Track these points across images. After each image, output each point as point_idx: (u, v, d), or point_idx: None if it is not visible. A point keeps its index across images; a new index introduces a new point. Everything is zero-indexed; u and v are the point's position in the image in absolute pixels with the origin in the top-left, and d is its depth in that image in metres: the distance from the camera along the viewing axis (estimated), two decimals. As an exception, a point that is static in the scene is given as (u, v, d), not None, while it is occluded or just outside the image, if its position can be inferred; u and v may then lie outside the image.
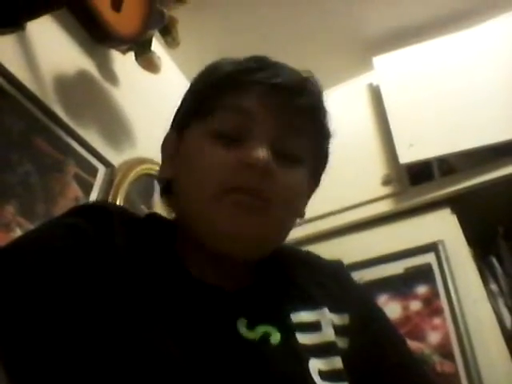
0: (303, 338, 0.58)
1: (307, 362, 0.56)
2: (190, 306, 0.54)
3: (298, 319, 0.60)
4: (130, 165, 1.45)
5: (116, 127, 1.53)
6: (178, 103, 0.69)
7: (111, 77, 1.60)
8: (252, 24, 1.89)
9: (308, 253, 0.76)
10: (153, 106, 1.61)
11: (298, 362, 0.55)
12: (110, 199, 1.34)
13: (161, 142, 0.69)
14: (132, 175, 1.43)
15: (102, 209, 0.60)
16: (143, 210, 1.44)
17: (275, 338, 0.57)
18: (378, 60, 1.91)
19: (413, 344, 1.36)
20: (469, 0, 1.81)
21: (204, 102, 0.63)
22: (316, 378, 0.55)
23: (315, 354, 0.57)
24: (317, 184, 0.70)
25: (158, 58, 1.62)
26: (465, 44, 1.79)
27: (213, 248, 0.59)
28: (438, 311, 1.42)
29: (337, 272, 0.72)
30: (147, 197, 1.49)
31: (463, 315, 1.37)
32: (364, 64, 1.97)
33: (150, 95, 1.67)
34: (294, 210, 0.63)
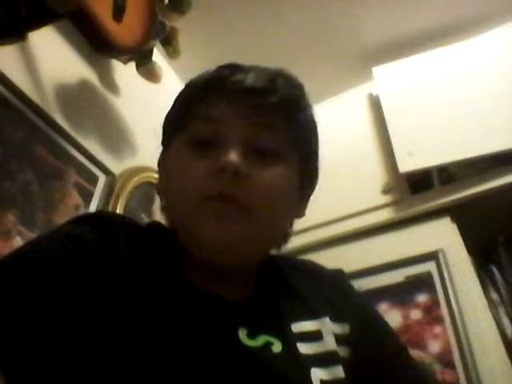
0: (304, 348, 0.58)
1: (309, 372, 0.56)
2: (191, 315, 0.54)
3: (299, 329, 0.60)
4: (130, 173, 1.46)
5: (116, 136, 1.54)
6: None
7: (112, 86, 1.61)
8: (252, 35, 1.90)
9: (309, 262, 0.76)
10: (153, 115, 1.60)
11: (300, 371, 0.55)
12: (110, 207, 1.34)
13: (161, 151, 0.70)
14: (132, 183, 1.43)
15: (106, 219, 0.61)
16: (143, 218, 1.45)
17: (277, 347, 0.57)
18: (378, 70, 1.92)
19: (413, 353, 1.34)
20: (468, 11, 1.82)
21: (178, 116, 0.65)
22: None
23: (317, 364, 0.57)
24: (311, 178, 0.68)
25: (159, 68, 1.64)
26: (464, 54, 1.80)
27: (202, 258, 0.59)
28: (438, 320, 1.41)
29: (338, 281, 0.72)
30: (147, 205, 1.49)
31: (464, 324, 1.37)
32: (364, 74, 1.98)
33: (150, 104, 1.68)
34: (281, 208, 0.61)
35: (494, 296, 1.49)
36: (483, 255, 1.59)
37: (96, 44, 1.46)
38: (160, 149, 0.69)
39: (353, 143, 1.94)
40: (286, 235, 0.67)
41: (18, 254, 0.54)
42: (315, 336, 0.60)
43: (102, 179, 1.38)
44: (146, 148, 1.57)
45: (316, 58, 1.99)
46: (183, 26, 1.62)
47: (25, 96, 1.20)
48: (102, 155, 1.41)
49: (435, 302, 1.44)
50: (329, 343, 0.60)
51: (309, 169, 0.66)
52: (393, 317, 1.45)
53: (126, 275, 0.54)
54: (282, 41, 1.91)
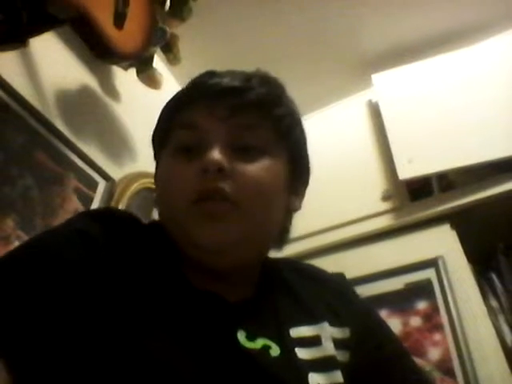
0: (303, 353, 0.58)
1: (307, 377, 0.56)
2: (191, 315, 0.54)
3: (298, 334, 0.60)
4: (130, 179, 1.46)
5: (117, 142, 1.54)
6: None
7: (113, 92, 1.61)
8: (252, 42, 1.91)
9: (311, 266, 0.77)
10: (153, 121, 1.60)
11: (298, 376, 0.56)
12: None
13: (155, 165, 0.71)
14: (132, 189, 1.43)
15: (114, 215, 0.62)
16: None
17: (275, 351, 0.57)
18: (377, 77, 1.93)
19: (413, 360, 1.35)
20: (468, 18, 1.83)
21: (163, 128, 0.67)
22: None
23: (315, 369, 0.57)
24: (301, 169, 0.68)
25: (160, 74, 1.64)
26: (464, 62, 1.81)
27: (201, 261, 0.59)
28: (438, 327, 1.41)
29: (339, 285, 0.72)
30: (147, 211, 1.49)
31: (463, 331, 1.36)
32: (363, 81, 1.99)
33: (150, 110, 1.66)
34: (270, 200, 0.61)
35: (494, 303, 1.49)
36: (483, 262, 1.59)
37: (97, 50, 1.46)
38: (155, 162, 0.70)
39: (352, 150, 1.94)
40: (283, 230, 0.67)
41: (22, 249, 0.55)
42: (314, 341, 0.61)
43: (101, 185, 1.38)
44: (146, 154, 1.55)
45: (315, 65, 2.00)
46: (184, 32, 1.63)
47: (25, 101, 1.20)
48: (101, 161, 1.41)
49: (435, 309, 1.44)
50: (327, 348, 0.61)
51: (297, 159, 0.66)
52: (392, 324, 1.43)
53: (129, 273, 0.54)
54: (281, 48, 1.92)
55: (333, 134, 1.95)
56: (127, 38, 1.44)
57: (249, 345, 0.56)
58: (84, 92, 1.48)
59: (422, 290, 1.49)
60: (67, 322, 0.48)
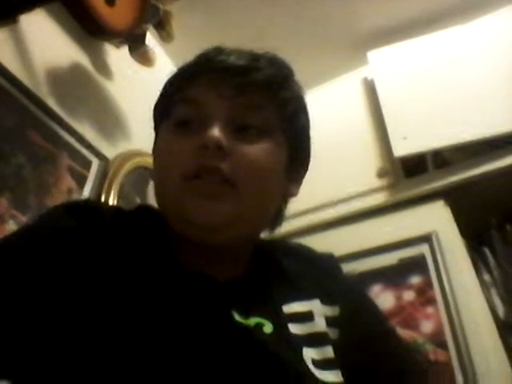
0: (295, 329, 0.59)
1: (301, 351, 0.57)
2: (184, 296, 0.54)
3: (290, 310, 0.61)
4: (123, 157, 1.45)
5: (110, 120, 1.54)
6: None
7: (105, 70, 1.60)
8: (246, 19, 1.89)
9: (301, 245, 0.77)
10: (147, 99, 1.58)
11: (292, 350, 0.56)
12: (103, 192, 1.34)
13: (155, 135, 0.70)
14: (126, 168, 1.43)
15: (91, 208, 0.61)
16: (137, 202, 1.45)
17: (268, 328, 0.57)
18: (373, 54, 1.92)
19: (406, 333, 1.37)
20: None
21: (164, 102, 0.66)
22: (310, 365, 0.56)
23: (308, 344, 0.58)
24: (302, 155, 0.67)
25: (152, 51, 1.62)
26: (459, 39, 1.80)
27: (193, 239, 0.59)
28: (431, 301, 1.43)
29: (329, 265, 0.73)
30: (141, 189, 1.49)
31: (456, 305, 1.38)
32: (359, 58, 1.98)
33: (143, 88, 1.66)
34: (268, 183, 0.60)
35: (486, 277, 1.51)
36: (476, 238, 1.61)
37: (88, 27, 1.45)
38: (153, 135, 0.69)
39: (348, 127, 1.94)
40: (278, 215, 0.67)
41: (5, 241, 0.54)
42: (306, 317, 0.61)
43: (95, 163, 1.37)
44: (140, 132, 1.57)
45: (310, 43, 1.98)
46: (177, 9, 1.60)
47: (16, 80, 1.19)
48: (95, 139, 1.40)
49: (428, 284, 1.46)
50: (319, 324, 0.61)
51: (298, 145, 0.65)
52: (386, 298, 1.47)
53: (117, 261, 0.54)
54: (275, 26, 1.90)
55: (328, 111, 1.95)
56: (119, 14, 1.43)
57: (243, 322, 0.56)
58: (76, 70, 1.47)
59: (416, 264, 1.51)
60: (56, 315, 0.48)
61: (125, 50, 1.60)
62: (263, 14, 1.88)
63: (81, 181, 1.31)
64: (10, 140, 1.14)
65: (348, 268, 1.43)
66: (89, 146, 1.36)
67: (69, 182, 1.26)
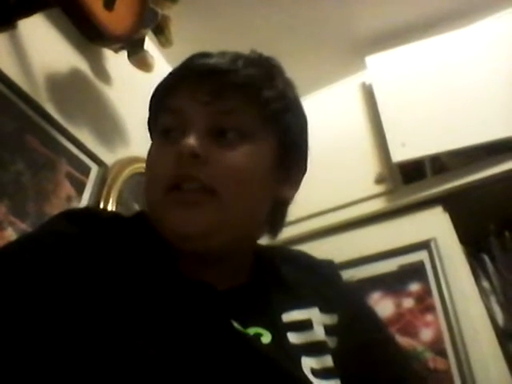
0: (294, 338, 0.59)
1: (299, 360, 0.56)
2: (179, 304, 0.54)
3: (290, 318, 0.61)
4: (122, 164, 1.45)
5: (109, 126, 1.53)
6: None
7: (104, 75, 1.59)
8: (244, 24, 1.89)
9: (300, 252, 0.76)
10: (146, 104, 1.58)
11: (291, 360, 0.56)
12: (102, 198, 1.33)
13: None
14: (125, 174, 1.42)
15: (92, 215, 0.61)
16: (136, 208, 1.44)
17: (266, 338, 0.57)
18: (371, 59, 1.92)
19: (405, 341, 1.37)
20: (460, 0, 1.82)
21: (152, 112, 0.66)
22: (308, 375, 0.55)
23: (307, 353, 0.58)
24: (292, 155, 0.64)
25: (151, 56, 1.62)
26: (457, 44, 1.80)
27: (180, 248, 0.58)
28: (430, 308, 1.43)
29: (327, 272, 0.72)
30: (140, 196, 1.48)
31: (455, 312, 1.38)
32: (357, 63, 1.98)
33: (142, 94, 1.65)
34: (251, 188, 0.59)
35: (485, 284, 1.51)
36: (475, 244, 1.61)
37: (87, 32, 1.44)
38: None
39: (346, 133, 1.94)
40: (275, 219, 0.66)
41: (4, 250, 0.54)
42: (305, 325, 0.61)
43: (94, 170, 1.37)
44: (139, 138, 1.56)
45: (309, 48, 1.98)
46: (175, 14, 1.60)
47: (15, 86, 1.18)
48: (94, 145, 1.40)
49: (427, 291, 1.46)
50: (318, 333, 0.61)
51: (288, 146, 0.63)
52: (385, 305, 1.47)
53: (116, 269, 0.54)
54: (274, 30, 1.90)
55: (326, 116, 1.95)
56: (118, 19, 1.42)
57: (241, 333, 0.55)
58: (75, 75, 1.46)
59: (415, 271, 1.51)
60: (52, 327, 0.47)
61: (123, 55, 1.59)
62: (261, 20, 1.88)
63: (80, 187, 1.30)
64: (9, 146, 1.13)
65: (347, 275, 1.42)
66: (88, 153, 1.35)
67: (68, 188, 1.26)
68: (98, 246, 0.55)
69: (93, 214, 0.62)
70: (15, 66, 1.22)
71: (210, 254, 0.59)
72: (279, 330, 0.58)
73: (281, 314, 0.60)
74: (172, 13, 1.60)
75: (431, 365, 1.34)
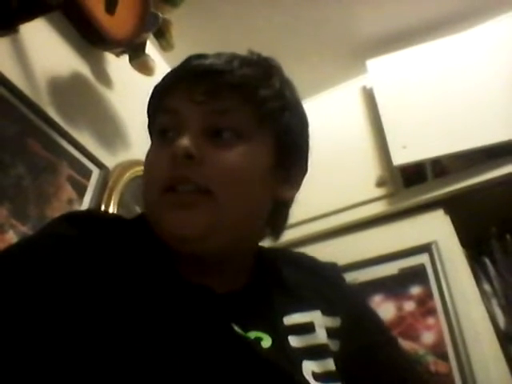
0: (296, 341, 0.58)
1: (300, 364, 0.56)
2: (178, 307, 0.53)
3: (291, 321, 0.60)
4: (124, 167, 1.45)
5: (110, 129, 1.53)
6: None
7: (105, 79, 1.60)
8: (246, 27, 1.89)
9: (303, 255, 0.76)
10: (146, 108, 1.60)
11: (291, 364, 0.55)
12: (103, 201, 1.34)
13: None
14: (126, 177, 1.42)
15: (94, 218, 0.61)
16: (137, 211, 1.44)
17: (266, 342, 0.57)
18: (372, 63, 1.92)
19: (407, 344, 1.37)
20: (463, 3, 1.82)
21: (150, 113, 0.66)
22: (310, 379, 0.55)
23: (308, 357, 0.57)
24: (290, 154, 0.63)
25: (152, 60, 1.63)
26: (458, 47, 1.81)
27: (178, 250, 0.58)
28: (431, 311, 1.42)
29: (330, 274, 0.72)
30: (141, 199, 1.48)
31: (457, 315, 1.38)
32: (358, 67, 1.98)
33: (144, 97, 1.66)
34: (247, 188, 0.58)
35: (487, 287, 1.51)
36: (476, 247, 1.61)
37: (88, 36, 1.45)
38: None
39: (347, 136, 1.94)
40: (274, 221, 0.65)
41: (4, 253, 0.54)
42: (307, 328, 0.61)
43: (95, 173, 1.37)
44: (140, 141, 1.55)
45: (310, 51, 1.99)
46: (176, 18, 1.61)
47: (17, 89, 1.19)
48: (95, 149, 1.40)
49: (428, 294, 1.45)
50: (320, 336, 0.61)
51: (286, 146, 0.62)
52: (387, 308, 1.47)
53: (113, 273, 0.53)
54: (275, 34, 1.90)
55: (327, 120, 1.95)
56: (119, 23, 1.43)
57: (241, 337, 0.55)
58: (76, 79, 1.47)
59: (416, 274, 1.50)
60: (54, 326, 0.47)
61: (125, 58, 1.60)
62: (262, 23, 1.89)
63: (81, 190, 1.30)
64: (10, 149, 1.13)
65: (348, 278, 1.42)
66: (89, 156, 1.36)
67: (69, 191, 1.26)
68: (98, 248, 0.55)
69: (94, 216, 0.63)
70: (17, 70, 1.23)
71: (208, 256, 0.58)
72: (280, 334, 0.58)
73: (282, 317, 0.60)
74: (173, 16, 1.60)
75: (432, 368, 1.33)
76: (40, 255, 0.52)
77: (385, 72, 1.89)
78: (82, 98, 1.46)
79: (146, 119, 0.68)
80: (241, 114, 0.58)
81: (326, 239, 1.71)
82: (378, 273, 1.55)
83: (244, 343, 0.54)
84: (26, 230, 1.09)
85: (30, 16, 1.19)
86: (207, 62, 0.60)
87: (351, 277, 1.45)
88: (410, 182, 1.71)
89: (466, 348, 1.32)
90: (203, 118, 0.58)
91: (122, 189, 1.40)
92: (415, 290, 1.48)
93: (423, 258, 1.52)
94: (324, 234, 1.73)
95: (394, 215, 1.68)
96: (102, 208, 1.32)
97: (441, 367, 1.33)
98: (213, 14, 1.86)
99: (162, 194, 0.56)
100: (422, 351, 1.37)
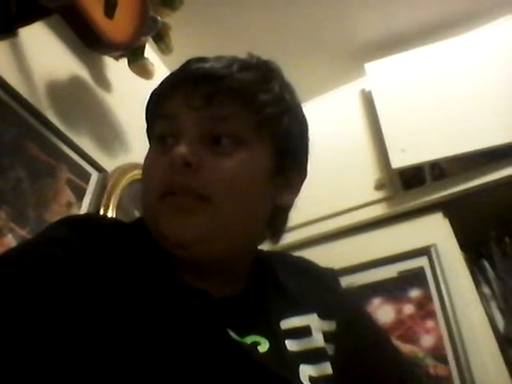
0: (293, 345, 0.58)
1: (297, 368, 0.56)
2: (175, 312, 0.53)
3: (288, 325, 0.60)
4: (122, 170, 1.45)
5: (109, 133, 1.53)
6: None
7: (104, 83, 1.60)
8: (244, 30, 1.90)
9: (301, 258, 0.76)
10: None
11: (288, 369, 0.55)
12: (102, 204, 1.33)
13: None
14: (125, 180, 1.42)
15: (92, 222, 0.61)
16: (136, 215, 1.44)
17: (263, 347, 0.56)
18: (370, 66, 1.93)
19: (406, 347, 1.37)
20: (462, 5, 1.82)
21: (148, 118, 0.66)
22: (306, 383, 0.55)
23: (305, 361, 0.57)
24: (290, 158, 0.63)
25: (151, 64, 1.63)
26: (456, 50, 1.81)
27: (176, 255, 0.57)
28: (430, 314, 1.42)
29: (327, 279, 0.72)
30: (140, 203, 1.48)
31: (456, 318, 1.38)
32: (356, 70, 1.99)
33: (143, 101, 1.67)
34: (247, 195, 0.58)
35: (486, 290, 1.51)
36: (475, 250, 1.61)
37: (87, 40, 1.45)
38: None
39: (345, 139, 1.94)
40: (274, 225, 0.65)
41: (3, 257, 0.53)
42: (304, 332, 0.60)
43: (94, 176, 1.37)
44: (139, 145, 1.55)
45: (308, 55, 1.99)
46: (175, 21, 1.61)
47: (16, 93, 1.18)
48: (94, 152, 1.40)
49: (428, 297, 1.45)
50: (317, 339, 0.60)
51: (284, 149, 0.61)
52: (386, 312, 1.47)
53: (112, 277, 0.53)
54: (274, 38, 1.90)
55: (326, 123, 1.95)
56: (118, 27, 1.43)
57: (237, 342, 0.55)
58: (75, 83, 1.47)
59: (415, 278, 1.50)
60: (51, 330, 0.47)
61: (124, 62, 1.60)
62: (260, 26, 1.89)
63: (80, 194, 1.30)
64: (9, 153, 1.13)
65: (347, 281, 1.43)
66: (88, 159, 1.35)
67: (68, 195, 1.26)
68: (96, 252, 0.55)
69: (93, 220, 0.62)
70: (16, 73, 1.23)
71: (206, 261, 0.58)
72: (277, 338, 0.58)
73: (279, 321, 0.60)
74: (172, 20, 1.61)
75: (432, 371, 1.33)
76: (38, 259, 0.51)
77: (383, 75, 1.89)
78: (81, 102, 1.46)
79: (145, 123, 0.68)
80: (240, 119, 0.58)
81: (325, 242, 1.71)
82: (377, 276, 1.55)
83: (240, 349, 0.54)
84: (24, 233, 1.09)
85: (29, 20, 1.19)
86: (206, 66, 0.59)
87: (350, 280, 1.45)
88: (408, 184, 1.72)
89: (465, 351, 1.32)
90: (201, 124, 0.57)
91: (121, 192, 1.40)
92: (414, 293, 1.48)
93: (422, 261, 1.52)
94: (323, 236, 1.73)
95: (393, 218, 1.68)
96: (101, 211, 1.31)
97: (440, 370, 1.33)
98: (212, 17, 1.86)
99: (161, 198, 0.55)
100: (421, 354, 1.37)
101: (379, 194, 1.75)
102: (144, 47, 1.61)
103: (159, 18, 1.55)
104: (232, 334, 0.54)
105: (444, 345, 1.36)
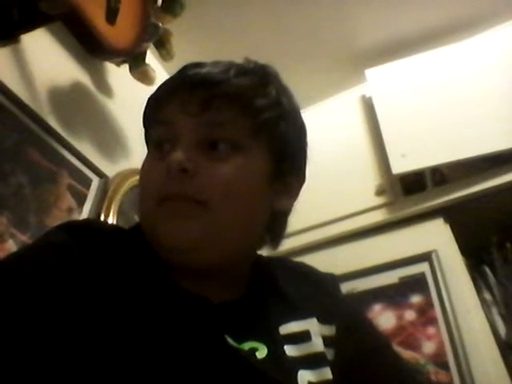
0: (292, 350, 0.58)
1: (296, 374, 0.56)
2: (173, 318, 0.53)
3: (287, 330, 0.60)
4: (123, 176, 1.45)
5: (110, 138, 1.54)
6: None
7: (105, 89, 1.60)
8: (245, 36, 1.90)
9: (301, 263, 0.76)
10: (147, 117, 1.60)
11: (286, 375, 0.55)
12: (103, 210, 1.33)
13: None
14: (126, 186, 1.42)
15: (91, 227, 0.60)
16: (136, 220, 1.44)
17: (262, 353, 0.56)
18: (371, 72, 1.93)
19: (407, 353, 1.36)
20: (462, 12, 1.83)
21: (145, 124, 0.66)
22: None
23: (304, 366, 0.57)
24: (288, 162, 0.62)
25: (153, 70, 1.63)
26: (457, 56, 1.81)
27: (172, 261, 0.57)
28: (432, 320, 1.42)
29: (327, 284, 0.72)
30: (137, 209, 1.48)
31: (457, 324, 1.37)
32: (357, 76, 1.99)
33: (144, 107, 1.68)
34: (244, 200, 0.57)
35: (487, 296, 1.50)
36: (476, 256, 1.61)
37: (89, 46, 1.45)
38: None
39: (346, 145, 1.95)
40: (272, 231, 0.65)
41: (2, 262, 0.54)
42: (303, 337, 0.60)
43: (95, 182, 1.37)
44: (140, 150, 1.54)
45: (309, 61, 2.00)
46: (177, 28, 1.62)
47: (17, 98, 1.19)
48: (95, 158, 1.40)
49: (429, 303, 1.45)
50: (316, 344, 0.60)
51: (282, 154, 0.61)
52: (387, 318, 1.46)
53: (110, 282, 0.53)
54: (274, 43, 1.91)
55: (326, 129, 1.95)
56: (120, 33, 1.43)
57: (235, 348, 0.55)
58: (77, 89, 1.47)
59: (416, 283, 1.50)
60: (48, 334, 0.47)
61: (125, 68, 1.60)
62: (261, 33, 1.90)
63: (81, 199, 1.30)
64: (11, 158, 1.13)
65: (347, 287, 1.42)
66: (89, 165, 1.36)
67: (69, 200, 1.26)
68: (95, 258, 0.55)
69: (92, 226, 0.62)
70: (18, 79, 1.23)
71: (203, 266, 0.58)
72: (276, 344, 0.57)
73: (278, 326, 0.60)
74: (173, 26, 1.61)
75: (433, 378, 1.32)
76: (38, 264, 0.51)
77: (384, 81, 1.90)
78: (82, 108, 1.47)
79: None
80: (236, 125, 0.58)
81: (325, 248, 1.70)
82: (378, 281, 1.54)
83: (237, 355, 0.53)
84: (25, 238, 1.09)
85: (31, 26, 1.20)
86: (203, 71, 0.59)
87: (351, 286, 1.45)
88: (409, 190, 1.72)
89: (466, 357, 1.31)
90: (198, 130, 0.57)
91: (122, 197, 1.40)
92: (415, 299, 1.48)
93: (423, 267, 1.51)
94: (324, 242, 1.73)
95: (394, 224, 1.68)
96: (102, 217, 1.32)
97: (442, 377, 1.32)
98: (213, 23, 1.87)
99: (158, 204, 0.55)
100: (422, 361, 1.36)
101: (380, 200, 1.75)
102: (145, 53, 1.62)
103: (160, 24, 1.56)
104: (229, 340, 0.54)
105: (445, 351, 1.35)
